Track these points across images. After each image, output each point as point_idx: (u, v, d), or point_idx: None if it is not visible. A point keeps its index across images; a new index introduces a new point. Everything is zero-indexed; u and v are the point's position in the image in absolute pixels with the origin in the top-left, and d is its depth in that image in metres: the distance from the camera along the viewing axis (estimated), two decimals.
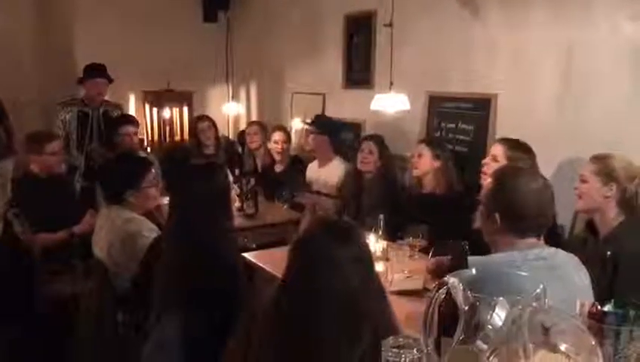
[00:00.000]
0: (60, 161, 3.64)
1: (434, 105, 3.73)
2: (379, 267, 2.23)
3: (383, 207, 3.33)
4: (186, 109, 5.69)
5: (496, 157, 2.78)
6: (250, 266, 2.78)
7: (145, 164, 2.78)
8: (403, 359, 0.80)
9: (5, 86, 4.68)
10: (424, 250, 2.77)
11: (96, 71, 4.40)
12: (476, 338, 0.77)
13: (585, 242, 2.31)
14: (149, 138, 5.49)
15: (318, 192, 4.12)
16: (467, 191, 3.35)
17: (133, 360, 2.01)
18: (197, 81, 5.74)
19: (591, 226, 2.34)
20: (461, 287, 0.78)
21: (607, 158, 2.30)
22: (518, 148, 2.81)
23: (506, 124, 3.30)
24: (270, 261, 2.84)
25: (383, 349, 0.84)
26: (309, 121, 4.46)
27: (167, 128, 5.60)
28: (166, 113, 5.59)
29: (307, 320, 1.39)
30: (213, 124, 4.83)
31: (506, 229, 1.73)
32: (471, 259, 1.77)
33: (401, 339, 0.83)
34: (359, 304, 1.41)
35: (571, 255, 1.78)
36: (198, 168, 2.16)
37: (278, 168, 4.50)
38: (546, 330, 0.83)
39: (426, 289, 2.37)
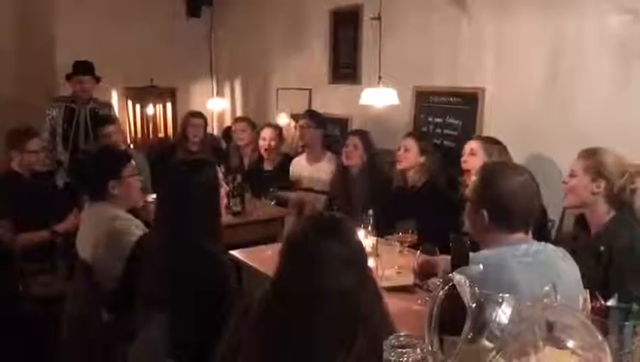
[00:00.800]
0: (42, 159, 3.56)
1: (421, 100, 3.72)
2: (369, 263, 2.20)
3: (371, 201, 3.31)
4: (169, 105, 5.63)
5: (473, 151, 2.81)
6: (237, 264, 2.74)
7: (123, 154, 2.74)
8: (406, 359, 0.77)
9: None
10: (414, 246, 2.75)
11: (82, 68, 4.34)
12: (482, 337, 0.74)
13: (575, 237, 2.30)
14: (133, 135, 5.41)
15: (310, 189, 4.08)
16: (453, 186, 3.36)
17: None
18: (180, 77, 5.67)
19: (581, 222, 2.33)
20: (468, 284, 0.75)
21: (597, 154, 2.28)
22: (492, 142, 2.89)
23: (493, 118, 3.29)
24: (258, 259, 2.80)
25: (384, 349, 0.80)
26: (302, 113, 4.39)
27: (151, 125, 5.52)
28: (149, 110, 5.52)
29: (299, 322, 1.35)
30: (205, 122, 4.73)
31: (494, 225, 1.70)
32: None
33: (402, 339, 0.79)
34: (354, 305, 1.36)
35: (560, 248, 1.76)
36: (186, 164, 2.10)
37: (267, 166, 4.44)
38: (550, 326, 0.80)
39: (416, 285, 2.35)
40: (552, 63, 3.00)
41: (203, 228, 1.98)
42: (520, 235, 1.71)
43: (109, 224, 2.52)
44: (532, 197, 1.72)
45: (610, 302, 0.93)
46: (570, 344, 0.79)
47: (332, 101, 4.53)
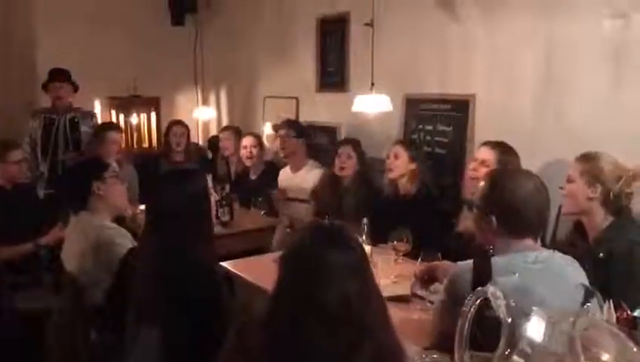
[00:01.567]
0: (24, 170, 3.47)
1: (411, 107, 3.69)
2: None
3: (365, 211, 3.27)
4: (153, 115, 5.55)
5: (486, 162, 2.72)
6: (229, 275, 2.67)
7: (103, 162, 2.71)
8: None
9: None
10: (408, 254, 2.72)
11: (57, 75, 4.27)
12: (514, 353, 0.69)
13: (573, 244, 2.28)
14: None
15: (294, 199, 4.03)
16: (444, 194, 3.33)
17: None
18: (165, 87, 5.59)
19: (579, 228, 2.31)
20: (503, 297, 0.71)
21: (593, 158, 2.27)
22: (508, 152, 2.78)
23: (485, 125, 3.27)
24: (248, 270, 2.76)
25: None
26: (278, 124, 4.35)
27: (135, 135, 5.44)
28: (133, 119, 5.44)
29: (302, 336, 1.29)
30: (187, 130, 4.71)
31: (502, 231, 1.68)
32: (463, 264, 1.70)
33: (428, 359, 0.74)
34: (358, 315, 1.32)
35: (568, 257, 1.74)
36: (176, 173, 2.04)
37: (252, 175, 4.38)
38: (583, 340, 0.76)
39: (414, 295, 2.31)
40: (544, 68, 2.99)
41: (195, 238, 1.92)
42: (529, 242, 1.69)
43: (95, 234, 2.45)
44: (542, 203, 1.70)
45: (638, 313, 0.89)
46: (605, 357, 0.75)
47: (320, 109, 4.49)
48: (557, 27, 2.91)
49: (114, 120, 5.32)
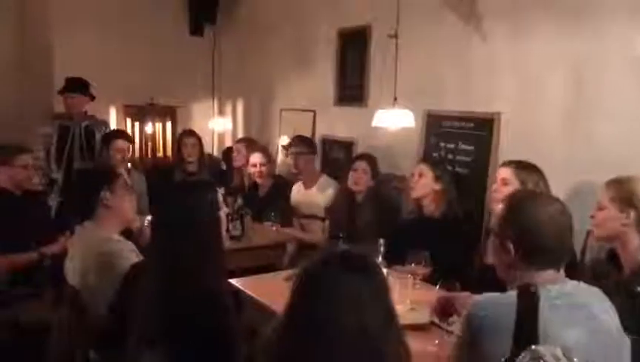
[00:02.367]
0: (31, 176, 3.39)
1: (432, 124, 3.56)
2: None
3: (378, 229, 3.15)
4: (169, 125, 5.49)
5: (506, 181, 2.59)
6: (238, 293, 2.55)
7: (113, 170, 2.61)
8: None
9: None
10: (426, 279, 2.58)
11: (71, 86, 4.25)
12: None
13: (607, 274, 2.12)
14: (131, 154, 5.24)
15: (308, 216, 3.92)
16: (467, 217, 3.19)
17: None
18: (181, 96, 5.54)
19: (612, 257, 2.16)
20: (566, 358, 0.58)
21: (626, 182, 2.12)
22: (528, 168, 2.65)
23: (511, 145, 3.13)
24: (258, 288, 2.63)
25: None
26: (287, 142, 4.25)
27: (150, 144, 5.38)
28: (148, 128, 5.38)
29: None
30: (199, 141, 4.62)
31: (521, 260, 1.53)
32: (483, 297, 1.56)
33: None
34: (376, 347, 1.21)
35: (595, 289, 1.58)
36: (183, 186, 1.93)
37: (262, 191, 4.27)
38: None
39: (432, 324, 2.17)
40: (573, 86, 2.86)
41: (202, 257, 1.80)
42: (550, 273, 1.54)
43: (100, 246, 2.34)
44: (563, 228, 1.55)
45: None
46: None
47: (337, 123, 4.38)
48: (587, 44, 2.79)
49: (129, 128, 5.27)
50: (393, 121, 3.02)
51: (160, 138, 5.46)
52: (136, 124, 5.37)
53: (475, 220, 3.20)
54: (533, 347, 0.63)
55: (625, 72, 2.65)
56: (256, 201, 4.13)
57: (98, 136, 4.34)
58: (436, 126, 3.54)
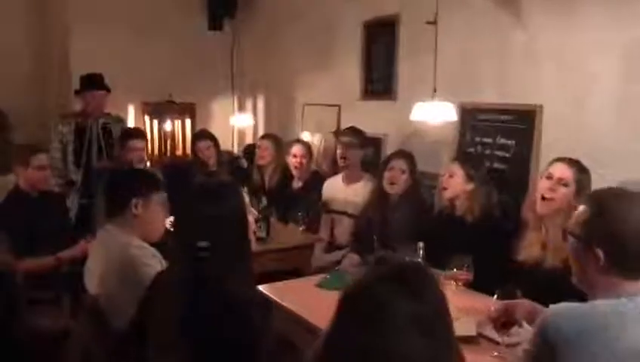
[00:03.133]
0: (47, 177, 3.26)
1: (467, 117, 3.35)
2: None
3: (415, 231, 2.96)
4: (188, 122, 5.36)
5: (563, 180, 2.37)
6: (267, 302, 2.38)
7: (156, 180, 2.37)
8: None
9: (1, 98, 4.48)
10: (468, 284, 2.40)
11: (94, 82, 4.12)
12: None
13: None
14: (149, 152, 5.11)
15: (341, 212, 3.74)
16: (505, 215, 2.98)
17: None
18: (200, 93, 5.40)
19: None
20: None
21: None
22: (584, 171, 2.42)
23: (553, 139, 2.92)
24: (286, 294, 2.47)
25: None
26: (341, 130, 4.05)
27: (169, 142, 5.25)
28: (167, 126, 5.25)
29: None
30: (214, 142, 4.36)
31: (611, 269, 1.36)
32: (565, 308, 1.38)
33: None
34: None
35: None
36: (208, 189, 1.74)
37: (297, 184, 4.13)
38: None
39: (480, 336, 1.99)
40: (623, 77, 2.64)
41: (230, 266, 1.65)
42: None
43: (121, 252, 2.18)
44: None
45: None
46: None
47: (363, 118, 4.18)
48: (634, 33, 2.57)
49: (147, 126, 5.15)
50: (433, 114, 2.80)
51: (179, 135, 5.33)
52: (155, 121, 5.25)
53: (513, 218, 2.99)
54: None
55: None
56: (285, 197, 3.97)
57: (115, 135, 4.21)
58: (471, 119, 3.33)
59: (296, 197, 3.96)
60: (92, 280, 2.27)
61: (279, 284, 2.63)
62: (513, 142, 3.09)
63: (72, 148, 4.10)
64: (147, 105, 5.23)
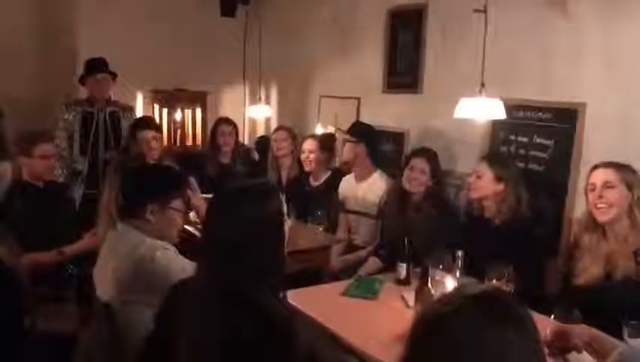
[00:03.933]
0: (51, 167, 3.08)
1: None
2: None
3: (439, 234, 2.78)
4: (199, 111, 5.16)
5: (609, 183, 2.19)
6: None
7: (179, 183, 2.19)
8: None
9: (6, 85, 4.33)
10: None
11: (96, 66, 3.93)
12: None
13: None
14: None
15: (355, 211, 3.56)
16: (538, 220, 2.79)
17: None
18: (212, 81, 5.18)
19: None
20: None
21: None
22: (626, 169, 2.25)
23: (597, 140, 2.72)
24: (308, 302, 2.28)
25: None
26: (343, 128, 3.88)
27: (179, 131, 5.05)
28: (177, 115, 5.05)
29: None
30: (236, 130, 4.30)
31: None
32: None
33: None
34: None
35: None
36: (246, 192, 1.52)
37: (314, 182, 3.94)
38: None
39: None
40: None
41: (261, 277, 1.46)
42: None
43: (132, 253, 2.01)
44: None
45: None
46: None
47: (385, 112, 3.99)
48: None
49: (157, 115, 4.95)
50: (481, 111, 2.59)
51: (189, 125, 5.13)
52: (164, 110, 5.04)
53: (549, 225, 2.80)
54: None
55: None
56: (302, 194, 3.78)
57: (124, 124, 4.03)
58: (506, 116, 3.12)
59: (316, 196, 3.77)
60: (102, 282, 2.10)
61: (301, 291, 2.43)
62: (552, 142, 2.89)
63: (78, 137, 3.92)
64: (156, 93, 5.03)
